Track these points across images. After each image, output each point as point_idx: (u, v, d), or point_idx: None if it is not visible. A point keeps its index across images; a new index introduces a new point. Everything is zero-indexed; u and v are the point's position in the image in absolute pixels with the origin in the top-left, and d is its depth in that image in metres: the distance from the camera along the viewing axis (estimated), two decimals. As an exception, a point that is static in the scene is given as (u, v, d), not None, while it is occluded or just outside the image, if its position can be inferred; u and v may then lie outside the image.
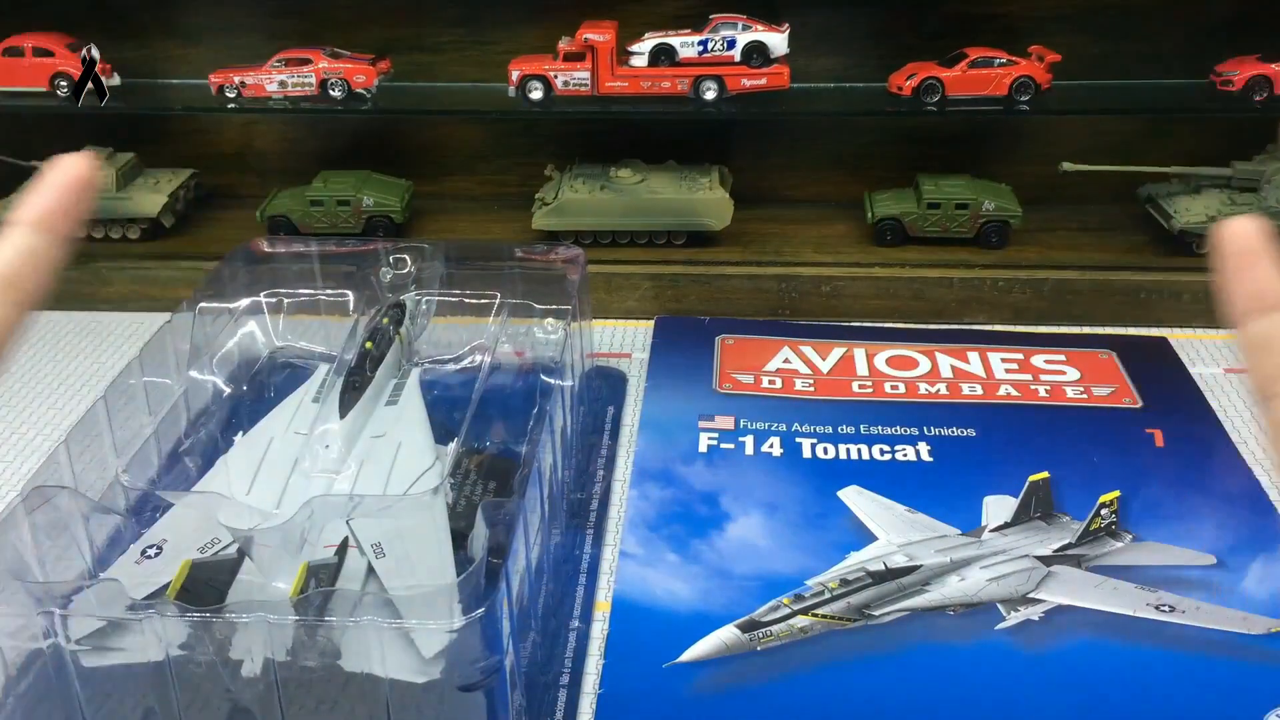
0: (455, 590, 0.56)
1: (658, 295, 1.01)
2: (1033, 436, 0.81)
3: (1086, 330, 0.98)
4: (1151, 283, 0.98)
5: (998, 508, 0.74)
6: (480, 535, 0.62)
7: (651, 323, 0.99)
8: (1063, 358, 0.91)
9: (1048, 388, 0.87)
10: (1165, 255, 1.02)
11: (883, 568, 0.68)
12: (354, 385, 0.74)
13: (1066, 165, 1.03)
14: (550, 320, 0.87)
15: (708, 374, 0.90)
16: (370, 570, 0.62)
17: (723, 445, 0.81)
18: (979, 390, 0.87)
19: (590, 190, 1.04)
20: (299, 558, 0.62)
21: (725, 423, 0.83)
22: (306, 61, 1.04)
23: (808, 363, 0.91)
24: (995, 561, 0.69)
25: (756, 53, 1.01)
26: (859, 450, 0.80)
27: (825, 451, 0.80)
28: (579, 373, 0.84)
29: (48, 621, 0.55)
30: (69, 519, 0.64)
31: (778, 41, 1.00)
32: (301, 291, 0.89)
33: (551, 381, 0.76)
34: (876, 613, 0.65)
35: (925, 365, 0.91)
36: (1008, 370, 0.90)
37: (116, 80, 1.07)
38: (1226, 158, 1.03)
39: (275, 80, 1.04)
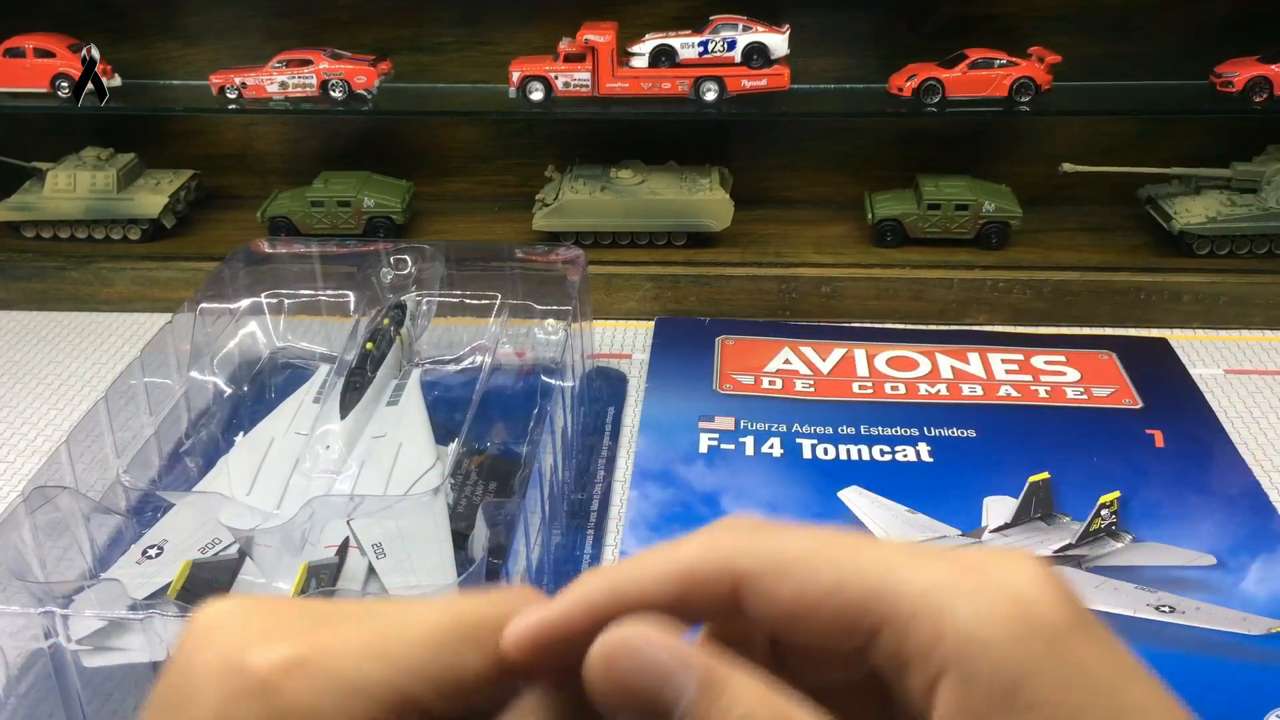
0: (456, 591, 0.56)
1: (658, 296, 1.01)
2: (1033, 437, 0.81)
3: (1086, 331, 0.98)
4: (1151, 284, 0.99)
5: (998, 508, 0.74)
6: (481, 535, 0.62)
7: (652, 323, 0.99)
8: (1063, 358, 0.92)
9: (1048, 388, 0.87)
10: (1165, 256, 1.02)
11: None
12: (355, 386, 0.74)
13: (1067, 166, 1.03)
14: (551, 321, 0.87)
15: (708, 375, 0.90)
16: (371, 570, 0.62)
17: (723, 446, 0.81)
18: (979, 391, 0.87)
19: (591, 191, 1.05)
20: (300, 558, 0.62)
21: (725, 423, 0.83)
22: (307, 62, 1.04)
23: (808, 363, 0.91)
24: (995, 562, 0.69)
25: (757, 54, 1.01)
26: (859, 451, 0.80)
27: (825, 452, 0.80)
28: (579, 373, 0.84)
29: (49, 621, 0.55)
30: (70, 519, 0.64)
31: (778, 42, 1.01)
32: (302, 292, 0.89)
33: (552, 382, 0.76)
34: (877, 613, 0.65)
35: (925, 366, 0.91)
36: (1008, 371, 0.90)
37: (117, 81, 1.07)
38: (1226, 158, 1.04)
39: (276, 81, 1.04)
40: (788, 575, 0.22)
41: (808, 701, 0.21)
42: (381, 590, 0.60)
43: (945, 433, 0.82)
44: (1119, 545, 0.71)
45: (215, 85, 1.05)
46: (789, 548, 0.23)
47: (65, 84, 1.05)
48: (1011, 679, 0.20)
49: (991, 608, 0.21)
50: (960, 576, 0.21)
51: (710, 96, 1.02)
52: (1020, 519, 0.73)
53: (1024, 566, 0.22)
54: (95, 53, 1.05)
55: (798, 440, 0.81)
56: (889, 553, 0.22)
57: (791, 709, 0.21)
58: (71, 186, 1.06)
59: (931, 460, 0.79)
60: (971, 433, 0.82)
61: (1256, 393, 0.88)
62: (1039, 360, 0.91)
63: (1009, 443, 0.81)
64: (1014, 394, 0.87)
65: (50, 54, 1.05)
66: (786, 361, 0.91)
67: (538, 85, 1.02)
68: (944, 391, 0.87)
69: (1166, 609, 0.65)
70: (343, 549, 0.63)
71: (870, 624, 0.22)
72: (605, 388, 0.90)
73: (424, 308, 0.86)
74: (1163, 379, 0.89)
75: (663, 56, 1.01)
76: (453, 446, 0.71)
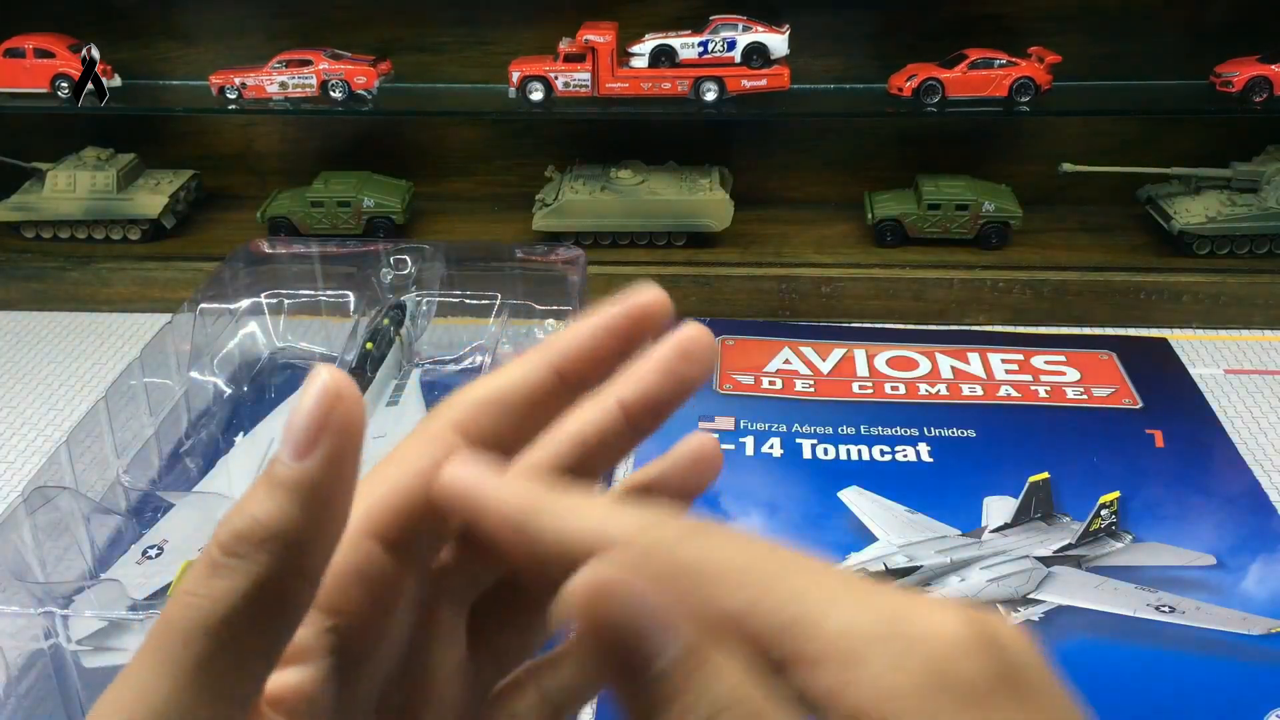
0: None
1: (658, 296, 1.01)
2: (1033, 437, 0.81)
3: (1086, 331, 0.98)
4: (1151, 283, 0.99)
5: (998, 508, 0.74)
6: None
7: (652, 323, 0.99)
8: (1063, 358, 0.92)
9: (1048, 388, 0.87)
10: (1165, 256, 1.02)
11: (883, 569, 0.68)
12: (354, 386, 0.74)
13: (1066, 166, 1.03)
14: (551, 321, 0.87)
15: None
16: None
17: (723, 446, 0.80)
18: (979, 391, 0.87)
19: (591, 191, 1.05)
20: (300, 558, 0.62)
21: (725, 423, 0.83)
22: (307, 63, 1.04)
23: (808, 363, 0.91)
24: (995, 562, 0.69)
25: (757, 54, 1.01)
26: (859, 451, 0.80)
27: (825, 452, 0.80)
28: (579, 373, 0.84)
29: (49, 622, 0.55)
30: (70, 519, 0.64)
31: (778, 42, 1.01)
32: (302, 292, 0.89)
33: (552, 382, 0.76)
34: (877, 613, 0.65)
35: (925, 366, 0.91)
36: (1008, 371, 0.90)
37: (117, 81, 1.07)
38: (1226, 158, 1.04)
39: (276, 81, 1.04)
40: (706, 586, 0.21)
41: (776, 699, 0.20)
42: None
43: (945, 433, 0.82)
44: (1119, 545, 0.71)
45: (215, 85, 1.05)
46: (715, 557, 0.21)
47: (65, 84, 1.05)
48: None
49: (905, 662, 0.19)
50: (879, 625, 0.20)
51: (710, 96, 1.02)
52: (1020, 519, 0.73)
53: (950, 620, 0.20)
54: (95, 53, 1.05)
55: (798, 440, 0.81)
56: (813, 583, 0.21)
57: (763, 702, 0.20)
58: (71, 187, 1.06)
59: (931, 460, 0.79)
60: (971, 433, 0.82)
61: (1256, 393, 0.88)
62: (1039, 360, 0.91)
63: (1009, 443, 0.81)
64: (1014, 394, 0.87)
65: (50, 54, 1.05)
66: (786, 361, 0.91)
67: (538, 85, 1.02)
68: (944, 391, 0.87)
69: (1166, 609, 0.65)
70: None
71: (780, 656, 0.20)
72: (605, 388, 0.90)
73: (424, 308, 0.86)
74: (1163, 379, 0.89)
75: (663, 57, 1.01)
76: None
